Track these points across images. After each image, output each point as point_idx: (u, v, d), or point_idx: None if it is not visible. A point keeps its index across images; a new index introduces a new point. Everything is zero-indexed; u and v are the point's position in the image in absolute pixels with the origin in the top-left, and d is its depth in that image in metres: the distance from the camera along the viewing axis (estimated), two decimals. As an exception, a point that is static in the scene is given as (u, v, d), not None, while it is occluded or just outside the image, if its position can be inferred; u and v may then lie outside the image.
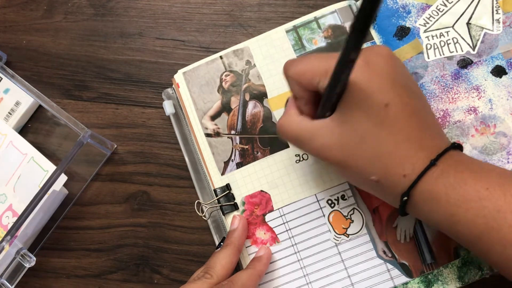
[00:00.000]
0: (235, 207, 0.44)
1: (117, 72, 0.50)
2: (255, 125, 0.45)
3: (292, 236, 0.43)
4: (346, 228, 0.43)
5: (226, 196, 0.44)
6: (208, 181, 0.45)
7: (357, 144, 0.34)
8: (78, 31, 0.51)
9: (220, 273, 0.38)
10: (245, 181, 0.44)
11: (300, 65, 0.36)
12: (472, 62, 0.44)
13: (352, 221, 0.43)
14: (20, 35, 0.52)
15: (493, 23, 0.45)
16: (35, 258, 0.44)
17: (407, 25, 0.46)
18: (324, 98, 0.35)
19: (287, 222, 0.43)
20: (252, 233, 0.43)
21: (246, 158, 0.45)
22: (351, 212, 0.43)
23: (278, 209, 0.44)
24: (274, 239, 0.43)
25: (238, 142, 0.45)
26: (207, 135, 0.45)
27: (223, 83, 0.46)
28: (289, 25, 0.47)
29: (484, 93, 0.43)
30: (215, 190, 0.44)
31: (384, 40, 0.46)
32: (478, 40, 0.44)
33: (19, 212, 0.44)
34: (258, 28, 0.49)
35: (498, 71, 0.44)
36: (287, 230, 0.43)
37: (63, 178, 0.45)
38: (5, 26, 0.52)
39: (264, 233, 0.43)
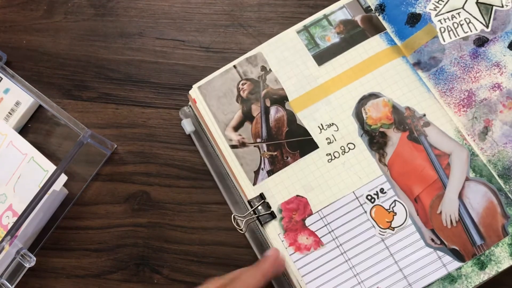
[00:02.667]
0: (272, 216, 0.43)
1: (117, 72, 0.50)
2: (280, 130, 0.45)
3: (336, 237, 0.42)
4: (390, 222, 0.42)
5: (262, 206, 0.43)
6: (239, 194, 0.44)
7: None
8: (78, 31, 0.51)
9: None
10: (279, 188, 0.43)
11: None
12: (488, 39, 0.44)
13: (395, 213, 0.42)
14: (20, 35, 0.52)
15: None
16: (35, 258, 0.44)
17: (418, 12, 0.46)
18: None
19: (328, 224, 0.42)
20: (294, 239, 0.42)
21: (276, 165, 0.44)
22: (393, 204, 0.42)
23: (317, 211, 0.43)
24: (318, 242, 0.42)
25: (265, 149, 0.44)
26: (233, 146, 0.45)
27: (241, 92, 0.46)
28: (299, 25, 0.47)
29: (505, 68, 0.44)
30: (249, 202, 0.43)
31: (397, 29, 0.46)
32: (490, 17, 0.45)
33: (19, 212, 0.44)
34: (258, 28, 0.49)
35: None
36: (329, 232, 0.42)
37: (63, 178, 0.45)
38: (5, 26, 0.52)
39: (307, 238, 0.42)
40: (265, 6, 0.50)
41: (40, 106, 0.50)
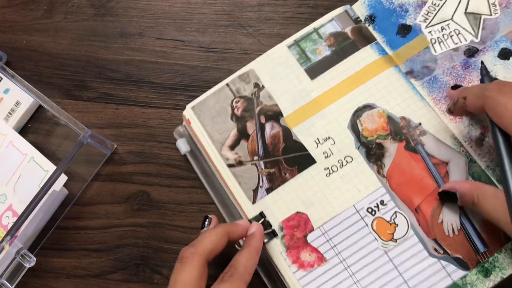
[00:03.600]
0: (273, 234, 0.42)
1: (117, 72, 0.50)
2: (277, 146, 0.44)
3: (339, 252, 0.41)
4: (392, 233, 0.41)
5: (262, 225, 0.42)
6: (239, 213, 0.44)
7: None
8: (78, 31, 0.51)
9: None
10: (279, 205, 0.43)
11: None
12: (478, 50, 0.44)
13: (397, 225, 0.41)
14: (20, 35, 0.52)
15: (489, 7, 0.45)
16: (35, 258, 0.44)
17: (408, 23, 0.46)
18: None
19: (330, 239, 0.42)
20: (297, 256, 0.42)
21: (274, 182, 0.43)
22: (394, 216, 0.42)
23: (319, 227, 0.42)
24: (321, 258, 0.41)
25: (263, 167, 0.44)
26: (230, 165, 0.44)
27: (235, 110, 0.45)
28: (290, 40, 0.46)
29: (496, 78, 0.43)
30: (249, 221, 0.42)
31: (388, 38, 0.46)
32: (479, 27, 0.45)
33: (19, 212, 0.44)
34: (258, 28, 0.49)
35: (505, 54, 0.44)
36: (332, 247, 0.42)
37: (63, 178, 0.45)
38: (5, 26, 0.52)
39: (309, 255, 0.42)
40: (265, 6, 0.50)
41: (40, 106, 0.50)
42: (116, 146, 0.49)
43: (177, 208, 0.47)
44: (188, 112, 0.45)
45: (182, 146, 0.46)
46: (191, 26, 0.50)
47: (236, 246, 0.42)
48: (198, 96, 0.49)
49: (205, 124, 0.45)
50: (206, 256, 0.37)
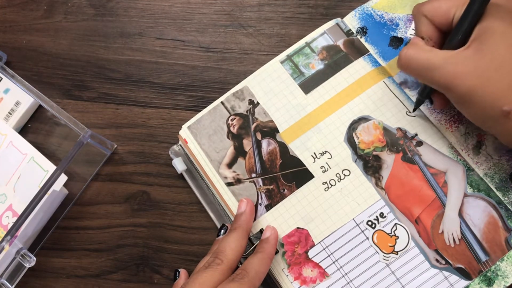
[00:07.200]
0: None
1: (117, 72, 0.50)
2: (274, 163, 0.44)
3: (341, 267, 0.41)
4: (393, 246, 0.41)
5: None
6: None
7: (494, 70, 0.34)
8: (78, 31, 0.51)
9: (230, 257, 0.37)
10: (279, 222, 0.43)
11: (435, 1, 0.38)
12: None
13: (397, 237, 0.41)
14: (20, 35, 0.52)
15: None
16: (35, 258, 0.44)
17: (399, 36, 0.46)
18: (457, 27, 0.36)
19: (331, 254, 0.42)
20: (299, 273, 0.42)
21: (274, 199, 0.43)
22: (394, 228, 0.42)
23: (319, 242, 0.42)
24: (323, 274, 0.41)
25: (261, 184, 0.44)
26: (228, 184, 0.44)
27: (231, 128, 0.45)
28: (282, 55, 0.46)
29: None
30: (250, 239, 0.42)
31: (380, 50, 0.46)
32: None
33: (19, 212, 0.44)
34: (258, 28, 0.49)
35: None
36: (334, 262, 0.42)
37: (63, 178, 0.45)
38: (5, 26, 0.52)
39: (311, 271, 0.42)
40: (265, 6, 0.50)
41: (40, 106, 0.50)
42: (116, 146, 0.49)
43: (177, 208, 0.47)
44: (184, 132, 0.46)
45: (178, 165, 0.46)
46: (191, 26, 0.50)
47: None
48: (198, 95, 0.49)
49: (202, 143, 0.45)
50: (232, 266, 0.38)
